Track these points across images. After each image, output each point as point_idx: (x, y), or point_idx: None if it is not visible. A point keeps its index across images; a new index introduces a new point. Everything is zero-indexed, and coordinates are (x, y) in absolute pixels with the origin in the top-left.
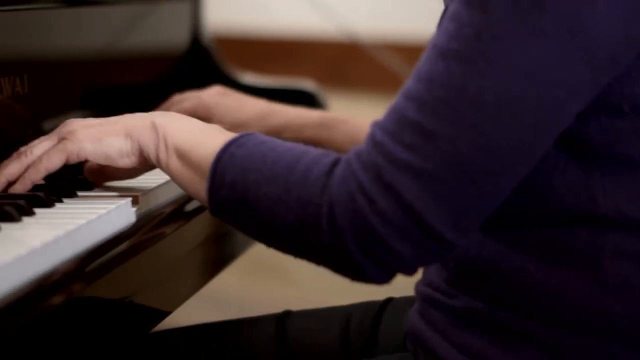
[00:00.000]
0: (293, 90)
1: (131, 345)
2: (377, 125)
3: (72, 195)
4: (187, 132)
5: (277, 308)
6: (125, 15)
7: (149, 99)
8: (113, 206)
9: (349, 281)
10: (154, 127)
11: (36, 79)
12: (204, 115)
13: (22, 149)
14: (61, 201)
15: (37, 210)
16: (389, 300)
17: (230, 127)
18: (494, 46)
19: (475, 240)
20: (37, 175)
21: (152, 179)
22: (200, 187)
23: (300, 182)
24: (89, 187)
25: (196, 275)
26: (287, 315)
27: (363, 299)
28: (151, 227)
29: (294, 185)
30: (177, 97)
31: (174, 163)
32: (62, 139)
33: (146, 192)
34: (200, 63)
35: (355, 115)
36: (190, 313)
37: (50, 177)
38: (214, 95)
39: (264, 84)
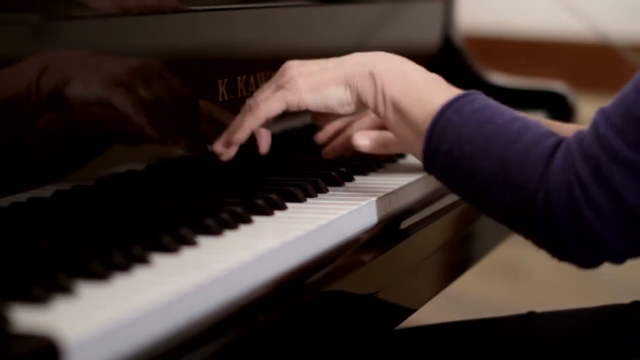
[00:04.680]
0: (543, 91)
1: (378, 341)
2: (602, 114)
3: (323, 190)
4: (405, 86)
5: (518, 309)
6: (377, 14)
7: None
8: (364, 203)
9: (591, 283)
10: (372, 77)
11: None
12: None
13: (248, 102)
14: (311, 196)
15: (289, 204)
16: (636, 304)
17: None
18: None
19: None
20: (255, 122)
21: (398, 179)
22: (416, 145)
23: (518, 164)
24: (338, 183)
25: (439, 275)
26: (531, 316)
27: (606, 301)
28: (396, 226)
29: (512, 166)
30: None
31: (391, 116)
32: (281, 88)
33: (391, 192)
34: (451, 64)
35: None
36: (430, 312)
37: (303, 173)
38: None
39: (514, 84)
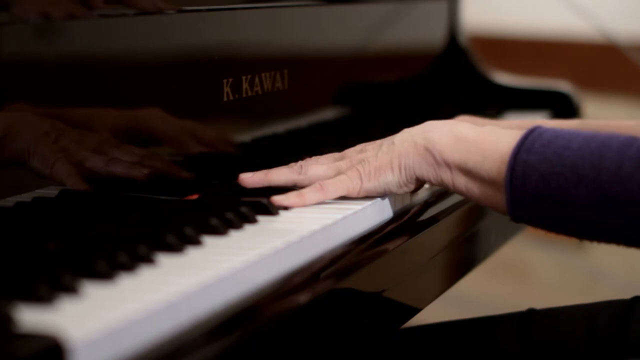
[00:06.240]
0: (548, 91)
1: (382, 341)
2: None
3: None
4: (465, 147)
5: (519, 307)
6: (382, 14)
7: (403, 97)
8: (369, 202)
9: (594, 282)
10: (428, 151)
11: (295, 74)
12: None
13: (300, 163)
14: None
15: None
16: (636, 299)
17: None
18: None
19: None
20: (312, 202)
21: None
22: (495, 198)
23: (614, 181)
24: None
25: (444, 275)
26: (531, 313)
27: (605, 298)
28: (402, 226)
29: (607, 185)
30: None
31: (462, 181)
32: (341, 172)
33: None
34: (456, 63)
35: (609, 119)
36: (433, 312)
37: None
38: None
39: (519, 84)
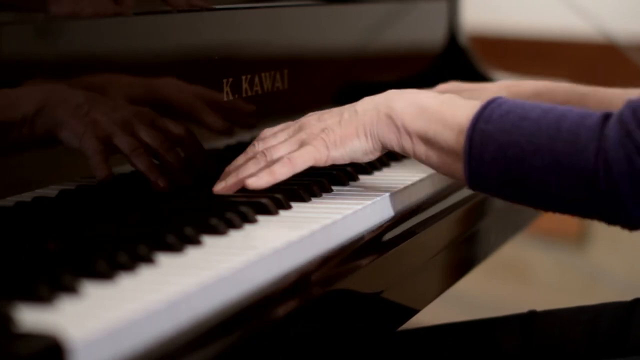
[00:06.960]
0: None
1: (379, 343)
2: None
3: (328, 190)
4: (426, 116)
5: (520, 308)
6: (382, 14)
7: None
8: (369, 202)
9: (595, 283)
10: (391, 118)
11: (295, 74)
12: None
13: (258, 147)
14: (316, 195)
15: (293, 204)
16: (637, 301)
17: None
18: None
19: None
20: (283, 177)
21: (404, 178)
22: (453, 167)
23: (569, 150)
24: (343, 182)
25: (444, 275)
26: (532, 315)
27: (607, 299)
28: (402, 226)
29: (563, 154)
30: None
31: (421, 149)
32: (305, 144)
33: (397, 191)
34: (456, 63)
35: None
36: (433, 312)
37: (307, 172)
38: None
39: None
